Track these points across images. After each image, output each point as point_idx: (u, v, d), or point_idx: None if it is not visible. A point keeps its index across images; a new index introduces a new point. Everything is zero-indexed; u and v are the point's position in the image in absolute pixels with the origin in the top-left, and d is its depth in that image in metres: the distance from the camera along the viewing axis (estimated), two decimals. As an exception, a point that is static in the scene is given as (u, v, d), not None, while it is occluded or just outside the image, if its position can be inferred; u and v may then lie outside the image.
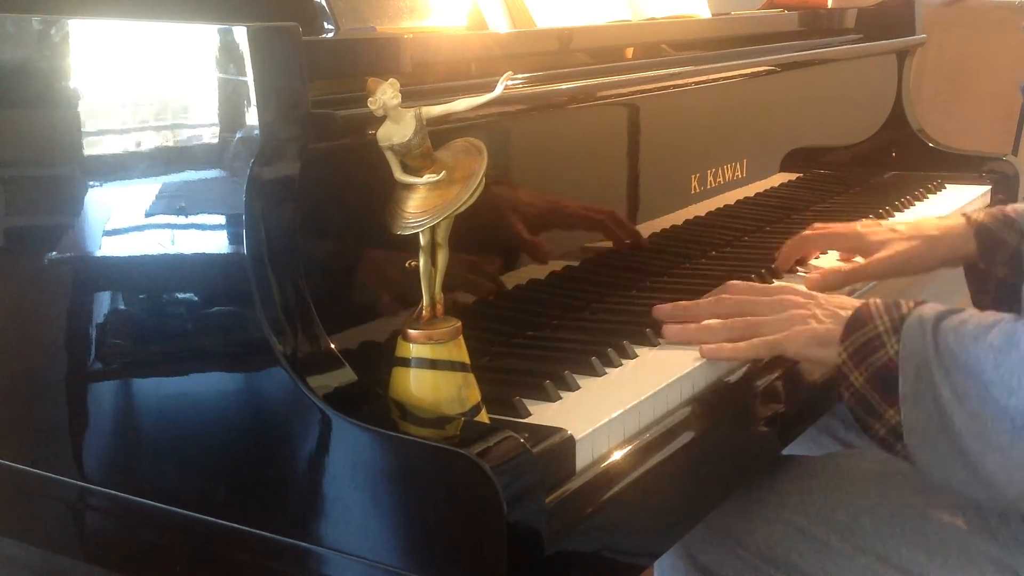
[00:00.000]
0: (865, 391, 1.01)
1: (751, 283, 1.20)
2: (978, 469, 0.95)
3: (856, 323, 1.03)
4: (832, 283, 1.31)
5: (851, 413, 1.03)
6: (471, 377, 0.86)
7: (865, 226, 1.39)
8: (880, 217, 1.61)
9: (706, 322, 1.11)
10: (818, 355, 1.06)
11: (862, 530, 1.10)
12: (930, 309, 1.01)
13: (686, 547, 1.23)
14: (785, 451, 1.42)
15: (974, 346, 0.96)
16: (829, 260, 1.42)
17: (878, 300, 1.05)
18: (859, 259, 1.36)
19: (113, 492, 0.94)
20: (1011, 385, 0.93)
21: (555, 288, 1.17)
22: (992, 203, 1.82)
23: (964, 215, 1.35)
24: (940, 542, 1.07)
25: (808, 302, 1.11)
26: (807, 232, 1.38)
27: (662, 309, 1.14)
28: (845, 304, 1.08)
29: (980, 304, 1.33)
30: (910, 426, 0.98)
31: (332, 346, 0.84)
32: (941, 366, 0.97)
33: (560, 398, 0.96)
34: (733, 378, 1.07)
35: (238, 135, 0.81)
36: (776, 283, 1.30)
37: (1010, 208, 1.33)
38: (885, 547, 1.08)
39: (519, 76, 1.11)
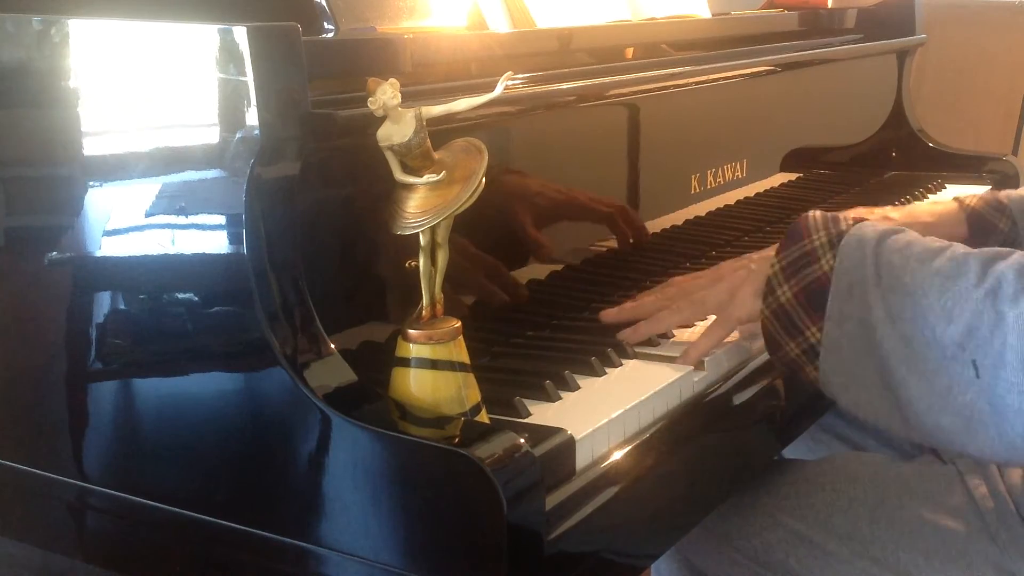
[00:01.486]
0: (789, 306, 0.99)
1: (693, 274, 1.19)
2: (898, 393, 0.93)
3: (793, 237, 1.01)
4: None
5: (764, 333, 1.01)
6: (471, 377, 0.86)
7: (858, 213, 1.38)
8: (880, 217, 1.62)
9: (656, 315, 1.10)
10: (735, 309, 1.05)
11: (860, 534, 1.10)
12: (871, 227, 0.99)
13: (683, 551, 1.23)
14: (785, 454, 1.43)
15: (920, 269, 0.94)
16: None
17: (816, 213, 1.03)
18: None
19: (113, 492, 0.94)
20: (952, 313, 0.91)
21: (555, 288, 1.17)
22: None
23: (956, 199, 1.35)
24: (938, 546, 1.07)
25: (741, 262, 1.10)
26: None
27: (608, 315, 1.13)
28: (777, 247, 1.05)
29: None
30: (830, 345, 0.96)
31: (332, 346, 0.84)
32: (879, 285, 0.94)
33: (560, 398, 0.96)
34: (734, 379, 1.07)
35: (238, 135, 0.81)
36: None
37: (1003, 194, 1.33)
38: (883, 551, 1.08)
39: (519, 76, 1.11)
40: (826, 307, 0.96)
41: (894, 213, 1.35)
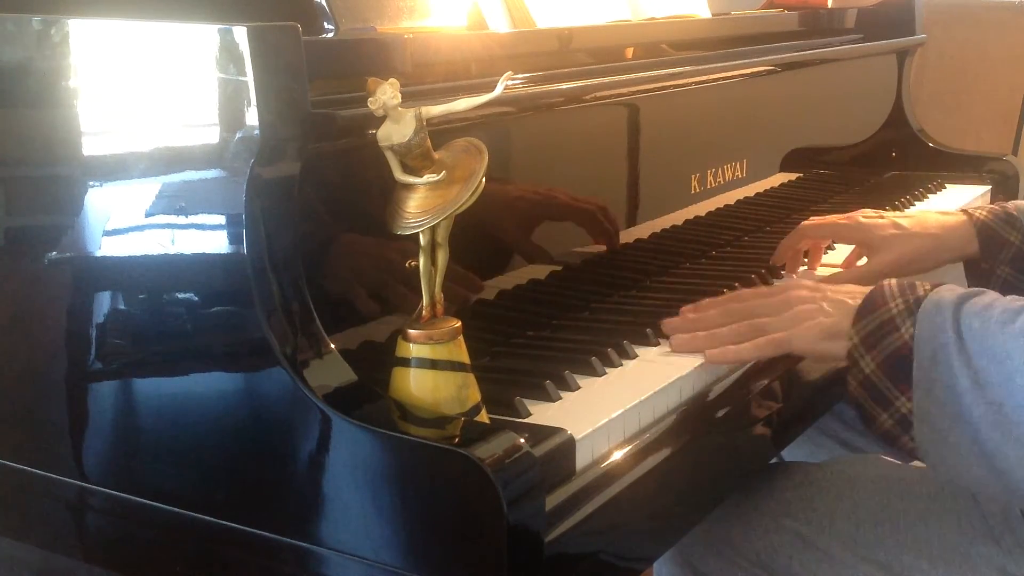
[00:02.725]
0: (875, 377, 0.97)
1: (759, 288, 1.16)
2: (995, 462, 0.91)
3: (869, 306, 0.99)
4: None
5: (855, 405, 0.99)
6: (471, 377, 0.86)
7: (867, 217, 1.35)
8: (881, 217, 1.61)
9: (717, 331, 1.08)
10: (827, 349, 1.03)
11: (864, 538, 1.10)
12: (948, 291, 0.97)
13: (685, 555, 1.22)
14: (785, 457, 1.43)
15: (1001, 332, 0.92)
16: (839, 256, 1.42)
17: (892, 281, 1.01)
18: (863, 259, 1.35)
19: (113, 492, 0.94)
20: None
21: (555, 288, 1.17)
22: (992, 203, 1.82)
23: (965, 212, 1.33)
24: (943, 549, 1.06)
25: (814, 295, 1.07)
26: (804, 225, 1.35)
27: (671, 323, 1.11)
28: (854, 292, 1.04)
29: None
30: (921, 414, 0.94)
31: (332, 346, 0.84)
32: (962, 351, 0.92)
33: (560, 398, 0.96)
34: (733, 379, 1.07)
35: (238, 135, 0.81)
36: (780, 282, 1.27)
37: (1011, 205, 1.32)
38: (887, 555, 1.08)
39: (519, 76, 1.11)
40: (912, 376, 0.94)
41: (904, 220, 1.34)
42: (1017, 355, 0.90)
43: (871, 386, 0.97)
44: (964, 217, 1.32)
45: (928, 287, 0.99)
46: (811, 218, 1.38)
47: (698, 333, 1.08)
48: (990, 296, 0.97)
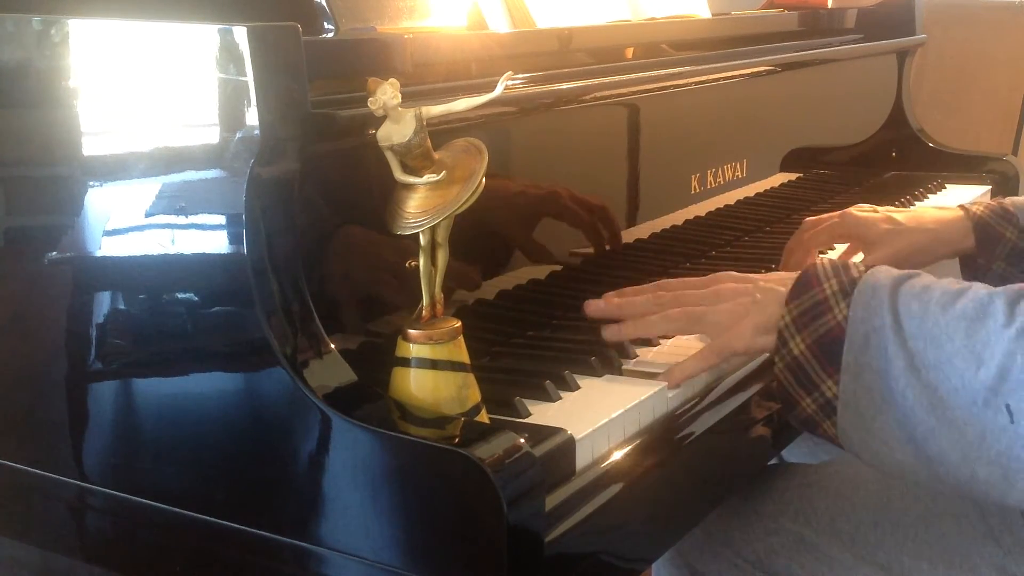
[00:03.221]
0: (803, 359, 0.94)
1: (687, 278, 1.12)
2: (926, 447, 0.89)
3: (802, 286, 0.96)
4: None
5: (778, 387, 0.97)
6: (471, 377, 0.86)
7: (861, 210, 1.35)
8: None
9: (646, 317, 1.05)
10: (765, 344, 1.00)
11: (863, 539, 1.09)
12: (884, 273, 0.95)
13: (684, 556, 1.22)
14: (785, 458, 1.43)
15: (942, 313, 0.90)
16: (838, 253, 1.42)
17: (825, 260, 0.99)
18: (859, 256, 1.35)
19: (113, 492, 0.94)
20: (981, 357, 0.87)
21: (555, 288, 1.17)
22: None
23: (962, 207, 1.33)
24: (943, 550, 1.06)
25: (745, 286, 1.04)
26: (804, 233, 1.35)
27: (592, 307, 1.08)
28: (784, 279, 1.01)
29: None
30: (847, 399, 0.92)
31: (332, 346, 0.84)
32: (898, 333, 0.90)
33: (560, 398, 0.96)
34: (733, 379, 1.07)
35: (238, 135, 0.81)
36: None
37: (1008, 201, 1.32)
38: (887, 556, 1.08)
39: (519, 76, 1.11)
40: (841, 359, 0.92)
41: (899, 215, 1.34)
42: (958, 337, 0.88)
43: (798, 367, 0.95)
44: (960, 212, 1.32)
45: (863, 268, 0.96)
46: (806, 221, 1.37)
47: (626, 322, 1.06)
48: (927, 278, 0.95)
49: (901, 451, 0.91)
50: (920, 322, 0.90)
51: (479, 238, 1.03)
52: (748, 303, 1.02)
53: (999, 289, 0.91)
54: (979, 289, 0.92)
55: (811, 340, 0.94)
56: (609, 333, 1.06)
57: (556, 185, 1.17)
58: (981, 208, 1.31)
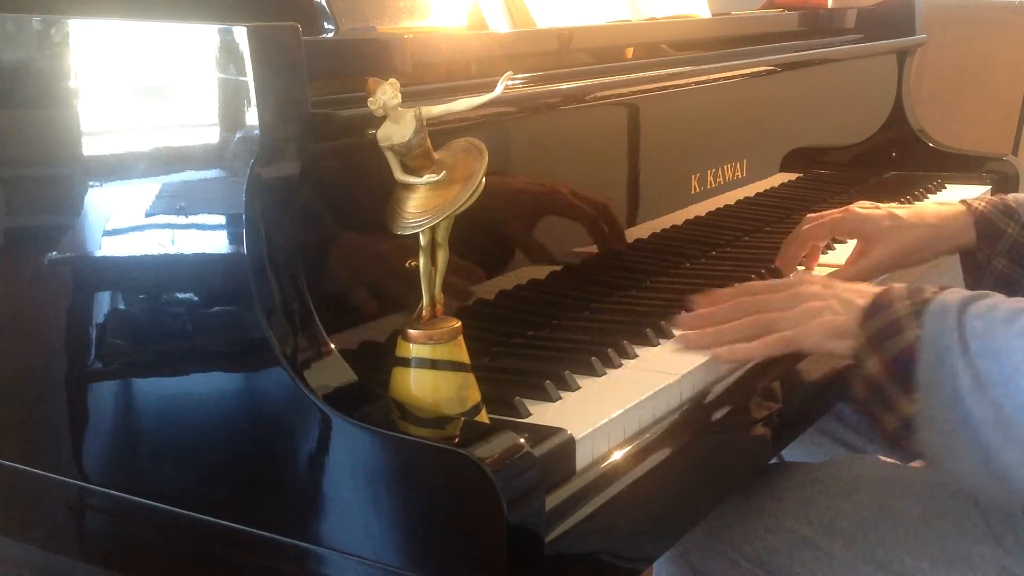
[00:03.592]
0: (880, 378, 0.97)
1: (769, 281, 1.16)
2: (995, 463, 0.91)
3: (876, 308, 0.99)
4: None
5: (862, 406, 0.99)
6: (471, 377, 0.86)
7: (863, 207, 1.35)
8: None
9: (721, 327, 1.08)
10: (835, 347, 1.03)
11: (864, 538, 1.09)
12: (955, 294, 0.97)
13: (685, 555, 1.22)
14: (785, 457, 1.43)
15: (1004, 331, 0.92)
16: (840, 256, 1.41)
17: (899, 284, 1.02)
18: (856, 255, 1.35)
19: (113, 492, 0.94)
20: None
21: (555, 288, 1.17)
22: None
23: (963, 202, 1.33)
24: (943, 549, 1.06)
25: (825, 291, 1.06)
26: (804, 226, 1.35)
27: (684, 320, 1.12)
28: (864, 292, 1.04)
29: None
30: (925, 416, 0.94)
31: (332, 346, 0.84)
32: (965, 352, 0.92)
33: (560, 398, 0.96)
34: (733, 379, 1.07)
35: (238, 135, 0.81)
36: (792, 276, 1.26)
37: (1011, 197, 1.32)
38: (888, 555, 1.08)
39: (519, 76, 1.11)
40: (916, 378, 0.94)
41: (900, 211, 1.34)
42: (1017, 354, 0.90)
43: (876, 387, 0.97)
44: (962, 207, 1.32)
45: (935, 289, 0.99)
46: (807, 216, 1.37)
47: (706, 330, 1.09)
48: (995, 298, 0.96)
49: (978, 468, 0.92)
50: (984, 340, 0.92)
51: (479, 238, 1.03)
52: (824, 307, 1.04)
53: None
54: None
55: (886, 360, 0.96)
56: (688, 340, 1.08)
57: (556, 182, 1.17)
58: (983, 203, 1.31)
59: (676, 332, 1.11)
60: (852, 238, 1.37)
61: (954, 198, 1.79)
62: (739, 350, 1.06)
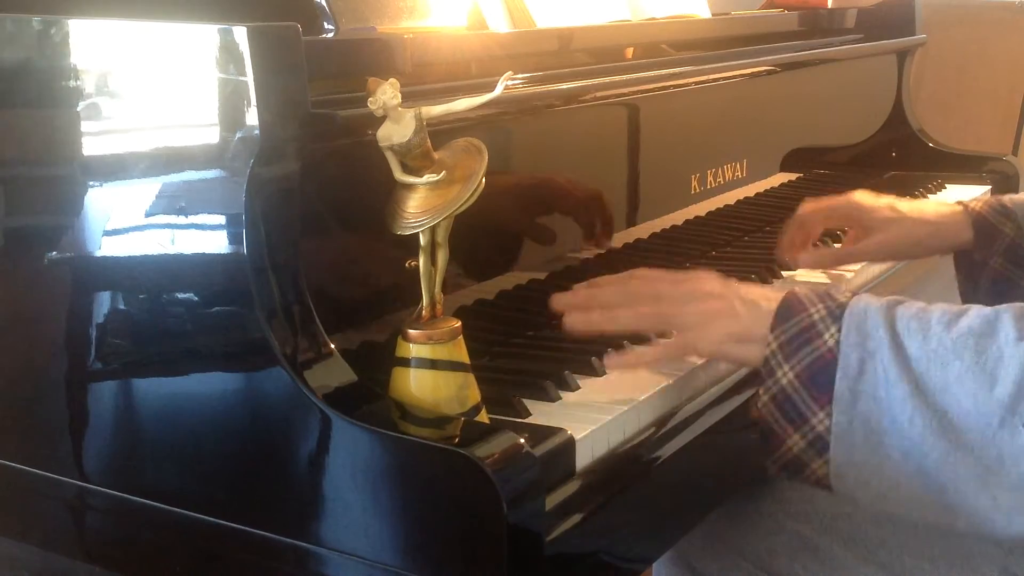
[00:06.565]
0: (791, 389, 0.87)
1: (662, 271, 1.07)
2: (939, 475, 0.83)
3: (786, 312, 0.90)
4: (824, 262, 1.32)
5: (761, 424, 0.89)
6: (471, 377, 0.86)
7: (863, 196, 1.34)
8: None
9: (615, 310, 1.00)
10: (738, 354, 0.96)
11: (865, 539, 1.09)
12: (873, 297, 0.89)
13: (685, 557, 1.22)
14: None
15: (946, 332, 0.84)
16: None
17: (804, 288, 0.93)
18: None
19: (113, 492, 0.94)
20: (995, 374, 0.81)
21: (555, 288, 1.16)
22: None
23: (961, 203, 1.33)
24: (944, 550, 1.06)
25: (725, 291, 0.97)
26: (802, 210, 1.34)
27: (560, 299, 1.03)
28: (767, 295, 0.95)
29: (968, 295, 1.32)
30: (840, 431, 0.85)
31: (332, 346, 0.84)
32: (898, 356, 0.84)
33: (560, 398, 0.96)
34: (733, 380, 1.07)
35: (238, 135, 0.81)
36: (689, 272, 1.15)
37: (1007, 199, 1.32)
38: (888, 555, 1.08)
39: (519, 76, 1.11)
40: (833, 388, 0.85)
41: (901, 204, 1.34)
42: (967, 355, 0.82)
43: (785, 399, 0.87)
44: (960, 208, 1.33)
45: (848, 294, 0.91)
46: (805, 202, 1.37)
47: (593, 313, 1.01)
48: (918, 302, 0.89)
49: (908, 485, 0.84)
50: (923, 342, 0.84)
51: (479, 238, 1.03)
52: (724, 308, 0.96)
53: (1002, 307, 0.86)
54: (980, 307, 0.86)
55: (800, 368, 0.87)
56: (574, 321, 1.00)
57: (556, 182, 1.17)
58: (980, 204, 1.32)
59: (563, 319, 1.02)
60: (849, 225, 1.37)
61: (954, 198, 1.79)
62: (630, 356, 0.99)
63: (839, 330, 0.86)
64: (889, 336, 0.85)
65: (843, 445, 0.85)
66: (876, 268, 1.42)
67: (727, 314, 0.95)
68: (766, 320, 0.91)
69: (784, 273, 1.35)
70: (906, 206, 1.34)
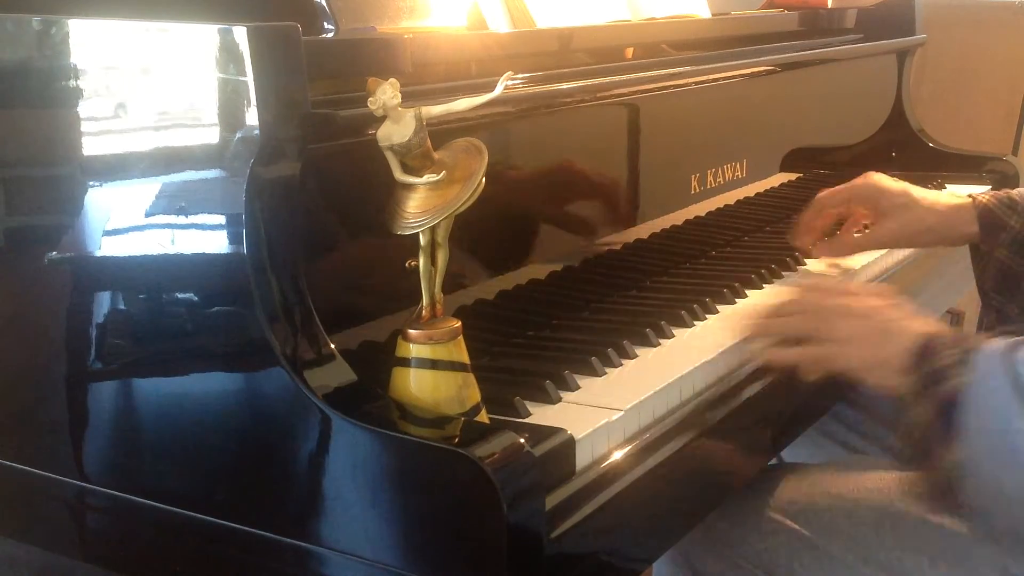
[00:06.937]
0: (926, 425, 0.96)
1: (835, 283, 1.16)
2: None
3: (926, 352, 0.98)
4: (841, 251, 1.37)
5: (900, 453, 0.99)
6: (471, 377, 0.86)
7: (880, 177, 1.39)
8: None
9: (770, 320, 1.09)
10: (877, 379, 1.02)
11: (864, 538, 1.09)
12: (1001, 340, 0.96)
13: (685, 555, 1.22)
14: (785, 458, 1.43)
15: None
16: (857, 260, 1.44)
17: (945, 328, 1.01)
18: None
19: (113, 492, 0.94)
20: None
21: (555, 288, 1.17)
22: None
23: (971, 196, 1.37)
24: (943, 549, 1.06)
25: (872, 313, 1.05)
26: (821, 194, 1.39)
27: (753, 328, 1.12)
28: (907, 330, 1.01)
29: (983, 284, 1.35)
30: (972, 463, 0.93)
31: (332, 346, 0.84)
32: (1016, 389, 0.91)
33: (560, 398, 0.96)
34: (733, 380, 1.07)
35: (238, 135, 0.81)
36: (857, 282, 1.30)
37: (1016, 192, 1.35)
38: (888, 555, 1.08)
39: (519, 76, 1.11)
40: (963, 424, 0.93)
41: (916, 192, 1.38)
42: None
43: (921, 435, 0.96)
44: (969, 201, 1.37)
45: (981, 337, 0.98)
46: (822, 190, 1.41)
47: (758, 321, 1.10)
48: None
49: None
50: None
51: (479, 237, 1.03)
52: (865, 330, 1.03)
53: None
54: None
55: (936, 405, 0.95)
56: (738, 327, 1.10)
57: (556, 182, 1.17)
58: (987, 196, 1.36)
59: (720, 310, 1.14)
60: (865, 207, 1.40)
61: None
62: (778, 356, 1.07)
63: (971, 371, 0.94)
64: (1007, 373, 0.92)
65: (972, 477, 0.93)
66: (884, 262, 1.44)
67: (868, 338, 1.02)
68: (908, 358, 0.98)
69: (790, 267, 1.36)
70: (920, 194, 1.38)
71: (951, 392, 0.94)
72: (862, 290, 1.12)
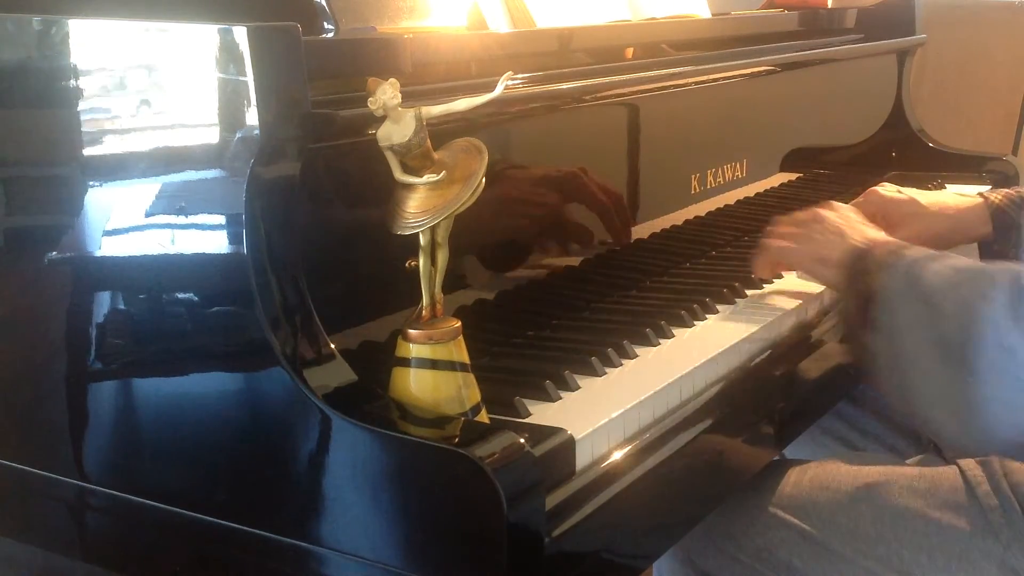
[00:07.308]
0: (853, 315, 1.09)
1: (835, 205, 1.26)
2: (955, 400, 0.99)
3: (861, 251, 1.11)
4: None
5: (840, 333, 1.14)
6: (471, 377, 0.86)
7: (887, 189, 1.41)
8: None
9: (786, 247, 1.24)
10: (816, 272, 1.19)
11: (863, 533, 1.10)
12: (925, 250, 1.07)
13: (686, 551, 1.23)
14: (787, 455, 1.43)
15: (951, 272, 1.02)
16: None
17: (892, 242, 1.13)
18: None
19: (113, 492, 0.94)
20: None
21: (555, 288, 1.17)
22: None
23: (981, 195, 1.38)
24: (941, 544, 1.07)
25: (836, 220, 1.19)
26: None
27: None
28: (863, 234, 1.16)
29: None
30: (881, 351, 1.04)
31: (332, 346, 0.84)
32: (916, 290, 1.02)
33: (560, 398, 0.96)
34: (733, 379, 1.07)
35: (238, 135, 0.81)
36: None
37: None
38: (887, 550, 1.08)
39: (519, 76, 1.11)
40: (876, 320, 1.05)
41: (923, 199, 1.39)
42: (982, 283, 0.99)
43: (852, 322, 1.09)
44: (980, 200, 1.37)
45: (920, 249, 1.09)
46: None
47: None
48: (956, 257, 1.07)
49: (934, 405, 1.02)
50: (939, 282, 1.02)
51: (479, 237, 1.03)
52: (823, 231, 1.19)
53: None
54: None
55: (854, 299, 1.09)
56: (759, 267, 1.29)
57: (556, 182, 1.17)
58: (1000, 196, 1.36)
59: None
60: (872, 220, 1.40)
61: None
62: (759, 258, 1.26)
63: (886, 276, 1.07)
64: (906, 276, 1.05)
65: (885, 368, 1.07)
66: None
67: (822, 238, 1.18)
68: (847, 254, 1.13)
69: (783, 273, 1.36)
70: (927, 200, 1.39)
71: (868, 289, 1.07)
72: (852, 213, 1.24)
